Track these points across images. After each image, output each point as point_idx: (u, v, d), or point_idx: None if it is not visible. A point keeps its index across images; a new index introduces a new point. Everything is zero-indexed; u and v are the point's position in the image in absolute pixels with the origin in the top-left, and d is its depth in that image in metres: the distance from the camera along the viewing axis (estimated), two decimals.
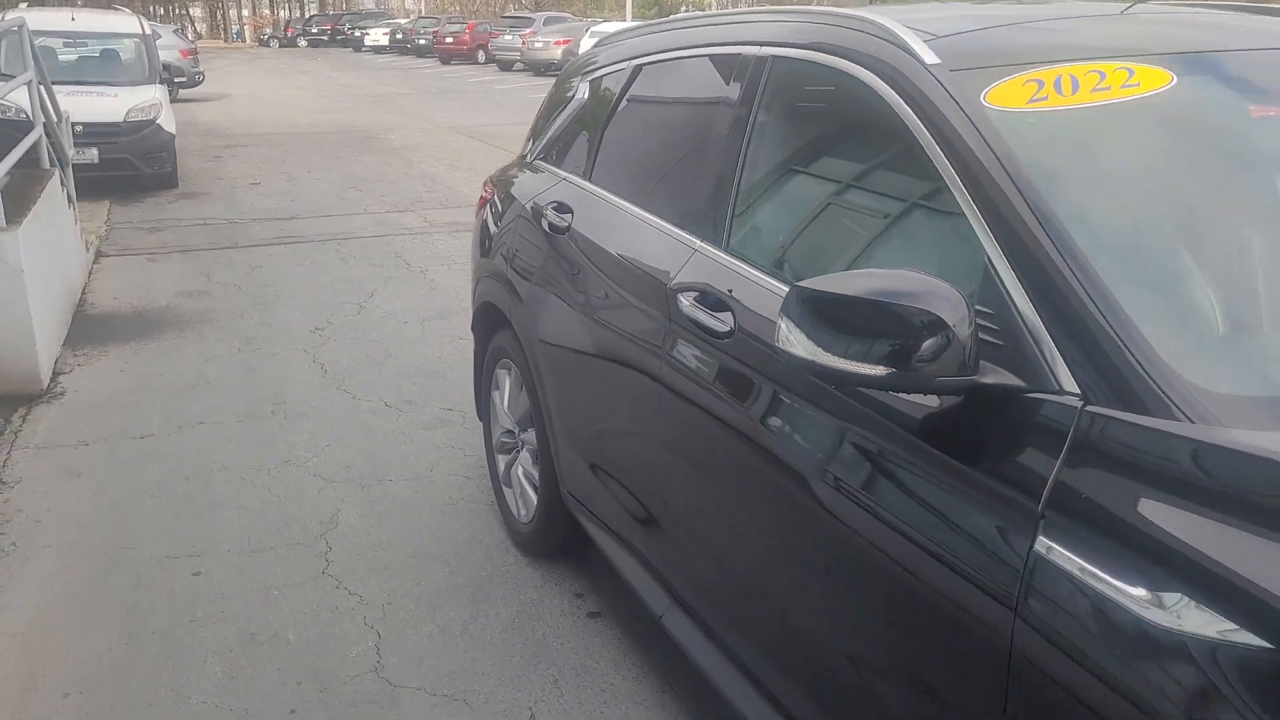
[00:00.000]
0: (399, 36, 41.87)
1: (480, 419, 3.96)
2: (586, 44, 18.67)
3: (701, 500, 2.36)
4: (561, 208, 3.15)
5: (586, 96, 3.38)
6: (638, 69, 3.08)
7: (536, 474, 3.36)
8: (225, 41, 59.21)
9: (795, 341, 1.64)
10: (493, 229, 3.65)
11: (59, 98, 10.36)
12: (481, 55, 34.33)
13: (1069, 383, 1.52)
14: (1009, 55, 1.97)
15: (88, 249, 7.75)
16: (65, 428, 4.70)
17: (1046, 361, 1.56)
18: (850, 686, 1.90)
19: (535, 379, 3.19)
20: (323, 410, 4.89)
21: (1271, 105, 1.98)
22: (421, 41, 38.85)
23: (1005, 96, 1.87)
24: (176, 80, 16.38)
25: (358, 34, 45.54)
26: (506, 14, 43.81)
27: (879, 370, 1.56)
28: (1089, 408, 1.48)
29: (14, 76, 10.51)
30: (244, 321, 6.33)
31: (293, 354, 5.71)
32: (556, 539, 3.36)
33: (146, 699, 2.84)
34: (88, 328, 6.23)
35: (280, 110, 19.65)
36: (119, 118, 10.48)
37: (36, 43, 11.49)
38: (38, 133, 6.36)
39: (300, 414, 4.84)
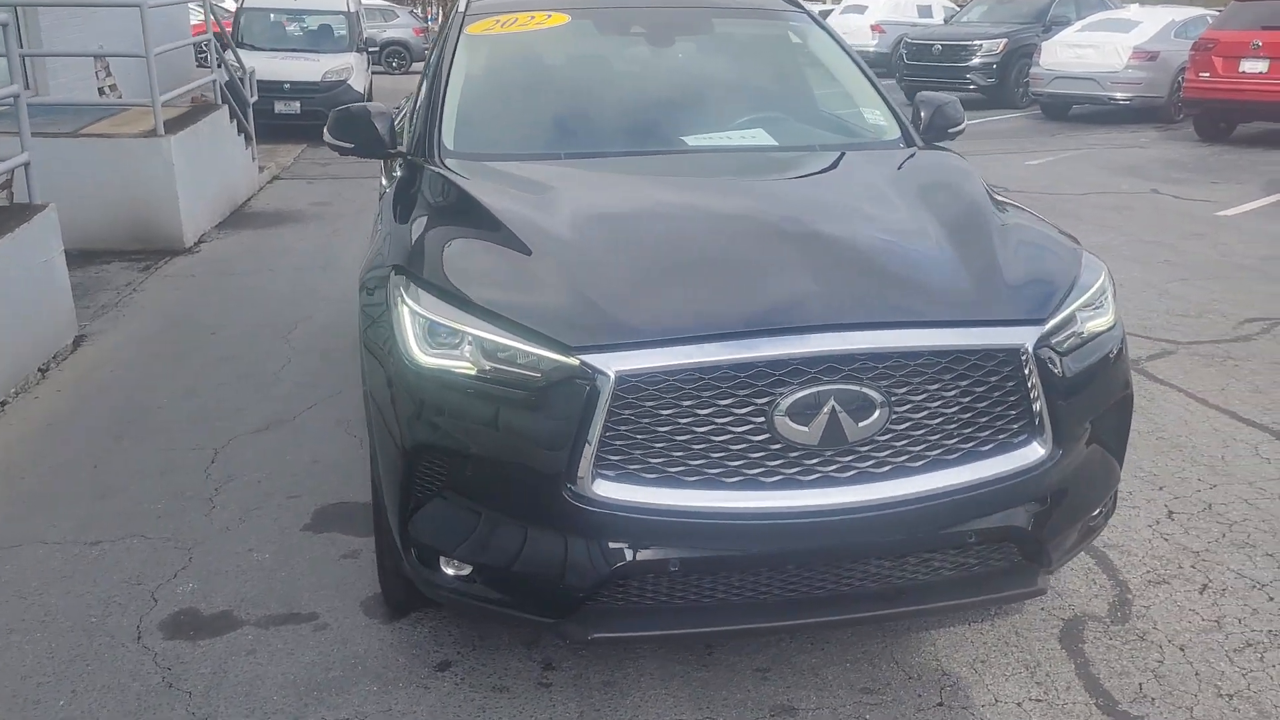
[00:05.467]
0: None
1: None
2: None
3: None
4: None
5: None
6: None
7: None
8: None
9: (329, 136, 3.57)
10: None
11: (276, 62, 13.25)
12: None
13: (419, 152, 3.39)
14: (495, 9, 3.80)
15: (261, 171, 10.41)
16: (187, 267, 7.18)
17: (417, 144, 3.42)
18: None
19: None
20: (353, 268, 7.10)
21: (611, 33, 3.74)
22: None
23: (477, 28, 3.71)
24: (371, 50, 19.17)
25: None
26: None
27: (350, 145, 3.47)
28: (413, 159, 3.35)
29: (254, 43, 13.61)
30: (340, 220, 8.72)
31: (359, 238, 7.99)
32: None
33: (203, 357, 5.09)
34: (240, 220, 8.80)
35: None
36: (317, 78, 13.26)
37: (269, 18, 14.55)
38: (210, 78, 8.96)
39: (338, 269, 7.09)
